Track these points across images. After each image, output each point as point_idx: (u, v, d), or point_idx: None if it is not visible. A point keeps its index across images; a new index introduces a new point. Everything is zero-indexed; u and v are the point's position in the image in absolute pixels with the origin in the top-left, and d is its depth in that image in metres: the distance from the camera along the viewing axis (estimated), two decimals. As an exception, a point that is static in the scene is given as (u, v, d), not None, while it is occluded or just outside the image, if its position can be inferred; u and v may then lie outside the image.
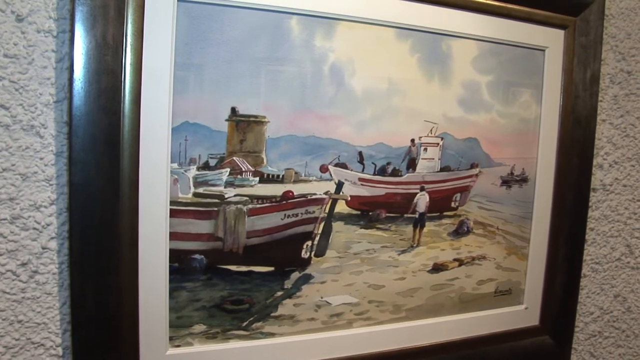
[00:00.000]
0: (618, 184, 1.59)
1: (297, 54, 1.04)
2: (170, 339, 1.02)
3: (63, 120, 0.94)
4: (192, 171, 0.99)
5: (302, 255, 1.11)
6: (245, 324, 1.07)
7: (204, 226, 1.02)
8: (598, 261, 1.58)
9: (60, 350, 0.99)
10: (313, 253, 1.11)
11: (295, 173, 1.06)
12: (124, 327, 0.97)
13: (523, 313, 1.40)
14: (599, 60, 1.42)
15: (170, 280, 1.00)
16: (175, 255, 0.99)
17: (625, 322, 1.68)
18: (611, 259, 1.61)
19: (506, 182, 1.31)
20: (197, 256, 1.02)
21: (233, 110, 1.00)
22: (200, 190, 1.01)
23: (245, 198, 1.04)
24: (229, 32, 0.99)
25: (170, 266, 0.99)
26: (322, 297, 1.13)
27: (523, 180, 1.33)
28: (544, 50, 1.33)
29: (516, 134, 1.30)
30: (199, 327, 1.04)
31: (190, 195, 1.00)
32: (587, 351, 1.60)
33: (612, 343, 1.66)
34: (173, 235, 0.98)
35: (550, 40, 1.34)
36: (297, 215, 1.08)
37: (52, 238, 0.95)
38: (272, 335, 1.10)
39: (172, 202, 0.98)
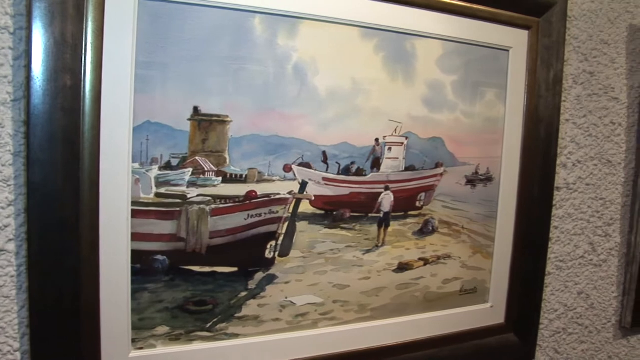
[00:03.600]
0: (581, 182, 1.64)
1: (260, 53, 1.06)
2: (133, 341, 1.03)
3: (21, 120, 0.94)
4: (154, 171, 1.01)
5: (266, 256, 1.12)
6: (209, 325, 1.09)
7: (166, 227, 1.03)
8: (562, 259, 1.63)
9: (18, 355, 0.99)
10: (277, 253, 1.13)
11: (259, 173, 1.08)
12: (85, 330, 0.97)
13: (488, 311, 1.44)
14: (562, 60, 1.47)
15: (132, 282, 1.01)
16: (137, 256, 1.00)
17: (589, 319, 1.74)
18: (575, 256, 1.67)
19: (471, 181, 1.34)
20: (159, 257, 1.03)
21: (195, 109, 1.02)
22: (163, 190, 1.02)
23: (208, 198, 1.05)
24: (191, 31, 1.00)
25: (132, 267, 1.00)
26: (286, 297, 1.15)
27: (488, 179, 1.37)
28: (508, 51, 1.37)
29: (481, 133, 1.34)
30: (162, 329, 1.05)
31: (152, 196, 1.01)
32: (551, 348, 1.65)
33: (575, 339, 1.71)
34: (135, 236, 1.00)
35: (515, 41, 1.38)
36: (260, 215, 1.10)
37: (10, 240, 0.96)
38: (236, 336, 1.12)
39: (133, 203, 0.99)
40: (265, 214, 1.11)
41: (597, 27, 1.64)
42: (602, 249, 1.74)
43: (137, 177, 0.99)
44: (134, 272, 1.01)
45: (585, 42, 1.62)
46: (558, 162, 1.55)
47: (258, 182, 1.09)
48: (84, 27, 0.92)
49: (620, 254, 1.79)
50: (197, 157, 1.04)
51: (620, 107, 1.72)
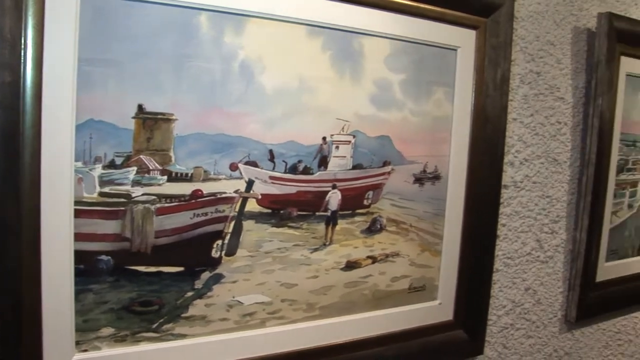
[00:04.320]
0: (528, 180, 1.70)
1: (206, 51, 1.07)
2: (77, 343, 1.02)
3: (-44, 117, 0.93)
4: (98, 170, 1.00)
5: (213, 255, 1.13)
6: (155, 325, 1.09)
7: (110, 226, 1.03)
8: (510, 256, 1.68)
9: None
10: (224, 252, 1.14)
11: (205, 171, 1.09)
12: (26, 333, 0.96)
13: (437, 308, 1.48)
14: (509, 60, 1.51)
15: (76, 283, 1.00)
16: (80, 257, 1.00)
17: (536, 314, 1.80)
18: (522, 253, 1.72)
19: (419, 179, 1.37)
20: (103, 257, 1.03)
21: (140, 107, 1.02)
22: (106, 189, 1.02)
23: (153, 197, 1.06)
24: (136, 27, 1.00)
25: (75, 268, 1.00)
26: (233, 297, 1.16)
27: (436, 177, 1.41)
28: (456, 50, 1.41)
29: (429, 132, 1.37)
30: (107, 330, 1.05)
31: (95, 195, 1.01)
32: (500, 343, 1.71)
33: (523, 334, 1.77)
34: (78, 236, 0.99)
35: (462, 41, 1.42)
36: (206, 214, 1.11)
37: (-55, 241, 0.94)
38: (183, 336, 1.12)
39: (76, 202, 0.99)
40: (211, 212, 1.11)
41: (543, 29, 1.70)
42: (549, 245, 1.80)
43: (80, 176, 0.99)
44: (78, 273, 1.00)
45: (532, 43, 1.67)
46: (505, 160, 1.60)
47: (204, 180, 1.09)
48: (23, 21, 0.91)
49: (566, 250, 1.86)
50: (141, 156, 1.04)
51: (565, 107, 1.79)
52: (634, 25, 1.91)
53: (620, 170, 1.99)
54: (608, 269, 2.00)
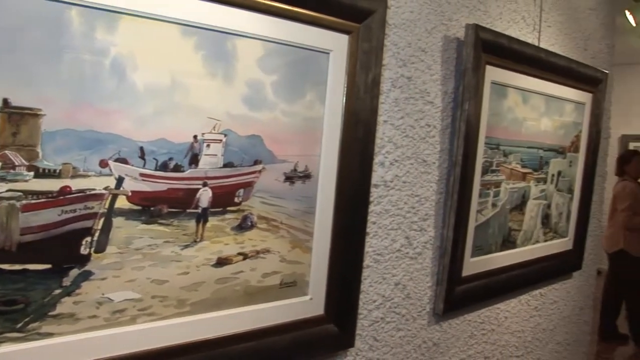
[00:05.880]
0: (398, 180, 1.83)
1: (77, 46, 1.08)
2: None
3: None
4: (-41, 165, 1.00)
5: (82, 252, 1.15)
6: (20, 325, 1.09)
7: (-29, 223, 1.03)
8: (380, 252, 1.81)
9: None
10: (93, 249, 1.16)
11: (73, 168, 1.11)
12: None
13: (308, 303, 1.56)
14: (380, 65, 1.63)
15: None
16: (-63, 255, 1.00)
17: (405, 308, 1.93)
18: (392, 250, 1.85)
19: (289, 178, 1.45)
20: (-37, 255, 1.03)
21: (5, 101, 1.02)
22: (-32, 185, 1.02)
23: (19, 193, 1.06)
24: (3, 19, 1.00)
25: None
26: (103, 294, 1.19)
27: (306, 176, 1.49)
28: (328, 54, 1.50)
29: (300, 132, 1.46)
30: (-34, 332, 1.04)
31: (-44, 191, 1.01)
32: (370, 336, 1.82)
33: (393, 327, 1.90)
34: None
35: (335, 45, 1.51)
36: (75, 211, 1.13)
37: None
38: (50, 335, 1.13)
39: None
40: (80, 209, 1.14)
41: (415, 36, 1.83)
42: (418, 242, 1.94)
43: (-61, 171, 0.99)
44: (-64, 272, 1.00)
45: (404, 49, 1.80)
46: (376, 160, 1.72)
47: (73, 177, 1.11)
48: None
49: (434, 247, 2.01)
50: (6, 151, 1.05)
51: (435, 111, 1.93)
52: (498, 37, 2.09)
53: (485, 171, 2.17)
54: (473, 264, 2.18)
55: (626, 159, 5.96)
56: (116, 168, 1.16)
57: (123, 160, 1.16)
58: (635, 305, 6.09)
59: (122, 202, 1.19)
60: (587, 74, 2.79)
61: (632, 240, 5.85)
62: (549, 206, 2.73)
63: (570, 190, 2.90)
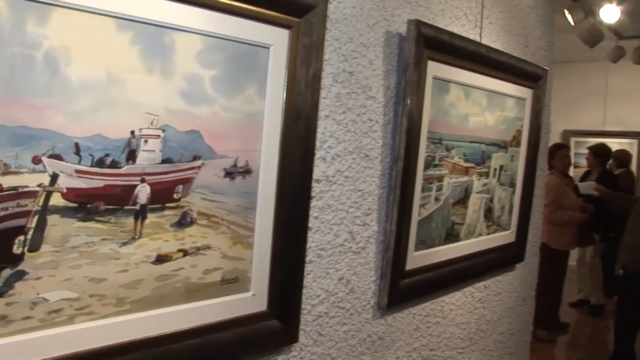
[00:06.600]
0: (340, 175, 1.85)
1: (6, 39, 1.06)
2: None
3: None
4: None
5: (14, 251, 1.13)
6: (-55, 329, 1.06)
7: None
8: (323, 247, 1.83)
9: None
10: (26, 248, 1.14)
11: (5, 165, 1.09)
12: None
13: (251, 299, 1.57)
14: (321, 60, 1.64)
15: None
16: None
17: (349, 302, 1.96)
18: (335, 244, 1.87)
19: (230, 173, 1.45)
20: None
21: None
22: None
23: (-55, 192, 1.04)
24: None
25: None
26: (38, 294, 1.16)
27: (247, 172, 1.49)
28: (268, 48, 1.51)
29: (240, 127, 1.46)
30: None
31: None
32: (315, 331, 1.84)
33: (337, 322, 1.92)
34: None
35: (275, 39, 1.52)
36: (6, 209, 1.11)
37: None
38: (-20, 338, 1.10)
39: None
40: (12, 207, 1.12)
41: (357, 31, 1.86)
42: (361, 237, 1.97)
43: None
44: None
45: (345, 44, 1.82)
46: (318, 155, 1.73)
47: (4, 174, 1.09)
48: None
49: (378, 241, 2.05)
50: None
51: (377, 106, 1.96)
52: (440, 33, 2.14)
53: (428, 166, 2.21)
54: (417, 258, 2.23)
55: (551, 152, 6.13)
56: (50, 164, 1.14)
57: (57, 157, 1.15)
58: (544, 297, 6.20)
59: (57, 200, 1.17)
60: (528, 70, 2.87)
61: (554, 233, 6.04)
62: (491, 200, 2.80)
63: (512, 184, 2.98)
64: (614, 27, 7.10)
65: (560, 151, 6.31)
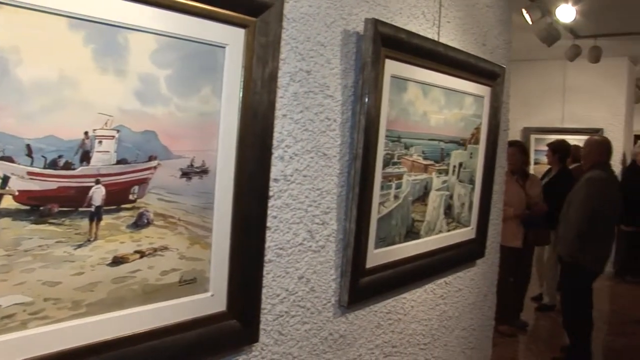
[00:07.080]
0: (299, 174, 1.86)
1: (-50, 40, 1.05)
2: None
3: None
4: None
5: (-36, 256, 1.12)
6: None
7: None
8: (282, 246, 1.84)
9: None
10: (-24, 253, 1.13)
11: (-47, 168, 1.08)
12: None
13: (209, 300, 1.57)
14: (277, 59, 1.65)
15: None
16: None
17: (310, 301, 1.98)
18: (294, 244, 1.88)
19: (186, 174, 1.45)
20: None
21: None
22: None
23: None
24: None
25: None
26: (-11, 299, 1.15)
27: (203, 172, 1.50)
28: (224, 48, 1.52)
29: (196, 127, 1.46)
30: None
31: None
32: (275, 330, 1.85)
33: (298, 321, 1.94)
34: None
35: (231, 39, 1.53)
36: None
37: None
38: None
39: None
40: None
41: (314, 30, 1.87)
42: (320, 235, 1.99)
43: None
44: None
45: (302, 43, 1.84)
46: (275, 154, 1.74)
47: (-49, 178, 1.08)
48: None
49: (337, 239, 2.06)
50: None
51: (335, 104, 1.98)
52: (397, 31, 2.16)
53: (387, 164, 2.24)
54: (377, 256, 2.25)
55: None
56: (0, 167, 1.13)
57: (8, 159, 1.13)
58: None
59: (8, 202, 1.15)
60: (486, 69, 2.92)
61: (503, 230, 6.13)
62: (451, 197, 2.84)
63: (472, 181, 3.03)
64: (570, 27, 7.26)
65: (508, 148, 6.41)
